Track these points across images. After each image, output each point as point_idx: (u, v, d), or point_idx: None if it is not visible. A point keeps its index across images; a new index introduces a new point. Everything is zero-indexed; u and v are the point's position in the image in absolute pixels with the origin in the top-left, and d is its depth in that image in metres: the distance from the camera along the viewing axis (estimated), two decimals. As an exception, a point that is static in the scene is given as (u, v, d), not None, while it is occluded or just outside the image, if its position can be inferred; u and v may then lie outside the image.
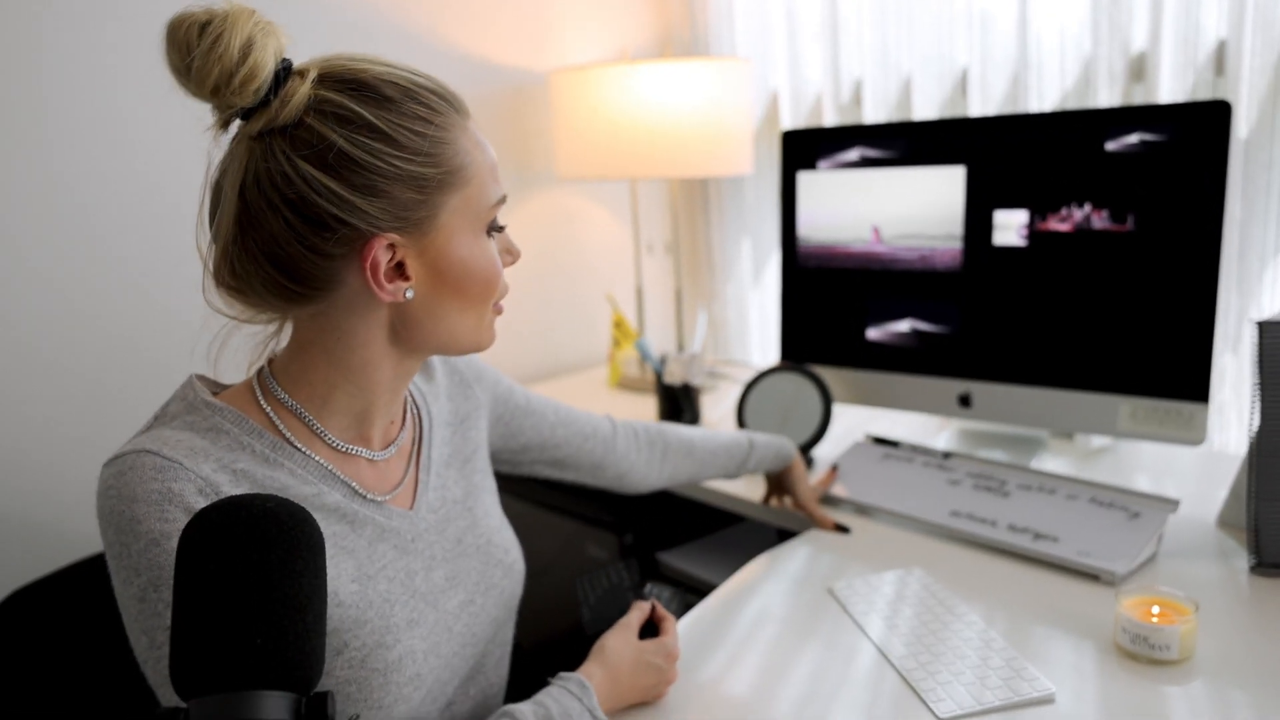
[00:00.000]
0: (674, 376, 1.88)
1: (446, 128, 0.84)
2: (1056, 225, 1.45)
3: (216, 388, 0.91)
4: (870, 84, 2.11)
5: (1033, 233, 1.47)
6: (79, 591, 1.14)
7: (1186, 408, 1.38)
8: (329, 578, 0.86)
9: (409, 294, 0.85)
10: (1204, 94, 1.65)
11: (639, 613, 1.05)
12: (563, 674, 0.96)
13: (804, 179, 1.71)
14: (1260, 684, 0.97)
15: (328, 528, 0.88)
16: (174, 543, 0.76)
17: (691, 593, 1.47)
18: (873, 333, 1.67)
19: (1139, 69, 1.73)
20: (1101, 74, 1.75)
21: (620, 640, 1.00)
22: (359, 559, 0.90)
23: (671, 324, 2.63)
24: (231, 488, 0.82)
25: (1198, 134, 1.33)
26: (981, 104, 1.93)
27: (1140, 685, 0.98)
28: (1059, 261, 1.46)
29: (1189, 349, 1.37)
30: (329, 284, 0.84)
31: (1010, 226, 1.50)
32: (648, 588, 1.11)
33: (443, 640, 0.96)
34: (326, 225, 0.80)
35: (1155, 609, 1.05)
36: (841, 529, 1.40)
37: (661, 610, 1.07)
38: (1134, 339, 1.41)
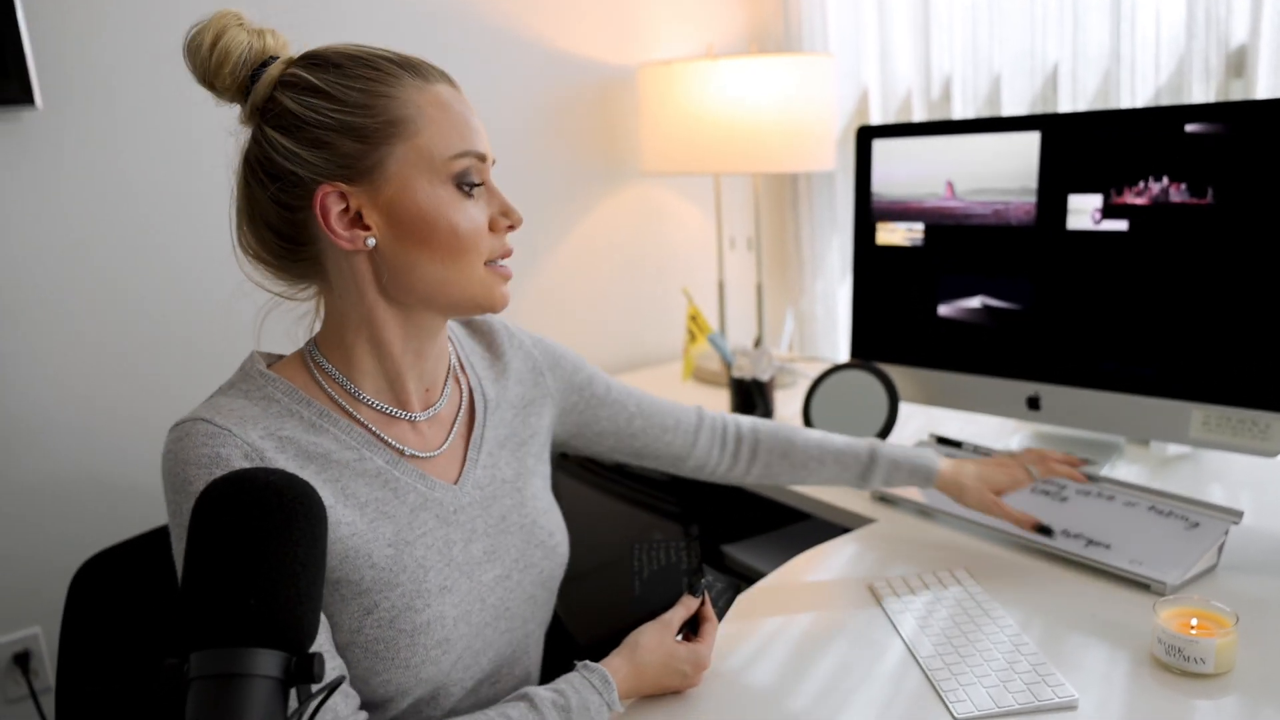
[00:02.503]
0: (743, 371, 1.89)
1: (389, 84, 0.90)
2: (1133, 199, 1.40)
3: (274, 360, 0.99)
4: (960, 80, 2.07)
5: (1108, 206, 1.43)
6: (152, 558, 1.22)
7: (1263, 417, 1.32)
8: (366, 540, 0.92)
9: (370, 242, 0.91)
10: (1304, 89, 1.57)
11: (684, 610, 1.05)
12: (588, 663, 0.98)
13: (879, 145, 1.71)
14: (1300, 704, 0.93)
15: (369, 492, 0.94)
16: None
17: (749, 586, 1.47)
18: (944, 309, 1.65)
19: (1238, 64, 1.66)
20: (1197, 69, 1.68)
21: (655, 640, 1.01)
22: (398, 524, 0.95)
23: (752, 319, 2.63)
24: (276, 453, 0.89)
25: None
26: (1072, 100, 1.88)
27: (1169, 697, 0.96)
28: (1134, 242, 1.41)
29: (1267, 355, 1.31)
30: (307, 237, 0.93)
31: (1084, 210, 1.46)
32: (706, 579, 1.10)
33: (474, 609, 1.00)
34: (282, 178, 0.90)
35: (1194, 620, 1.01)
36: (1044, 530, 1.26)
37: (708, 610, 1.06)
38: (1210, 341, 1.36)
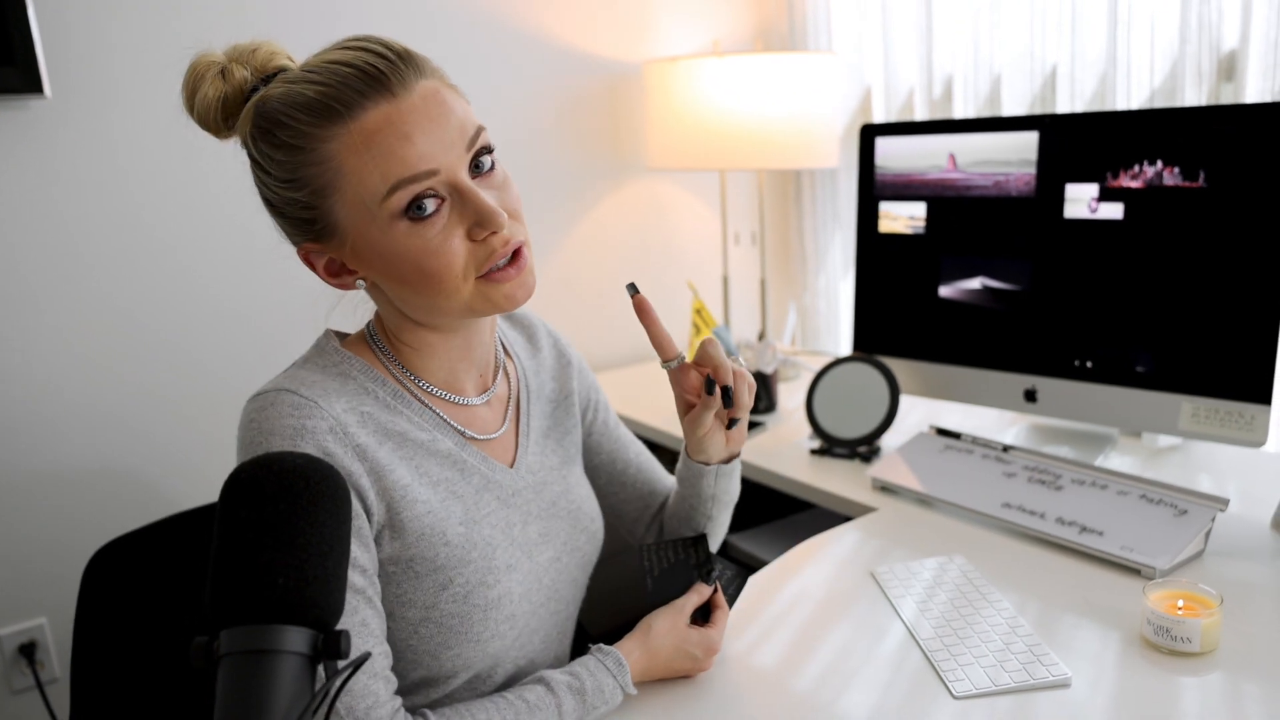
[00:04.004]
0: (747, 364, 1.94)
1: (304, 148, 0.87)
2: (1128, 182, 1.46)
3: (342, 337, 1.03)
4: (961, 80, 2.12)
5: (1104, 190, 1.48)
6: (168, 545, 1.25)
7: (1249, 409, 1.38)
8: (440, 519, 0.96)
9: (360, 284, 0.95)
10: (1293, 94, 1.62)
11: (697, 596, 1.08)
12: (602, 646, 1.02)
13: (881, 142, 1.76)
14: (1278, 680, 0.99)
15: (441, 472, 0.98)
16: None
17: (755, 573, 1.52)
18: (945, 290, 1.70)
19: (1229, 68, 1.71)
20: (1189, 73, 1.73)
21: (668, 624, 1.05)
22: (466, 504, 1.00)
23: (756, 313, 2.68)
24: (358, 428, 0.92)
25: (1269, 135, 1.32)
26: (1070, 102, 1.93)
27: (1157, 675, 1.01)
28: (1129, 230, 1.47)
29: (1253, 350, 1.37)
30: None
31: (1081, 200, 1.51)
32: (717, 569, 1.12)
33: (534, 588, 1.05)
34: (280, 230, 0.96)
35: (1181, 602, 1.07)
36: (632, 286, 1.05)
37: (720, 598, 1.10)
38: (1199, 334, 1.42)
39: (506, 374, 1.12)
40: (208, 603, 0.63)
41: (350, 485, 0.89)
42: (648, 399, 2.11)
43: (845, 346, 2.57)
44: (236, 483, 0.65)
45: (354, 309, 1.04)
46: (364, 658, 0.63)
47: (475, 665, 1.00)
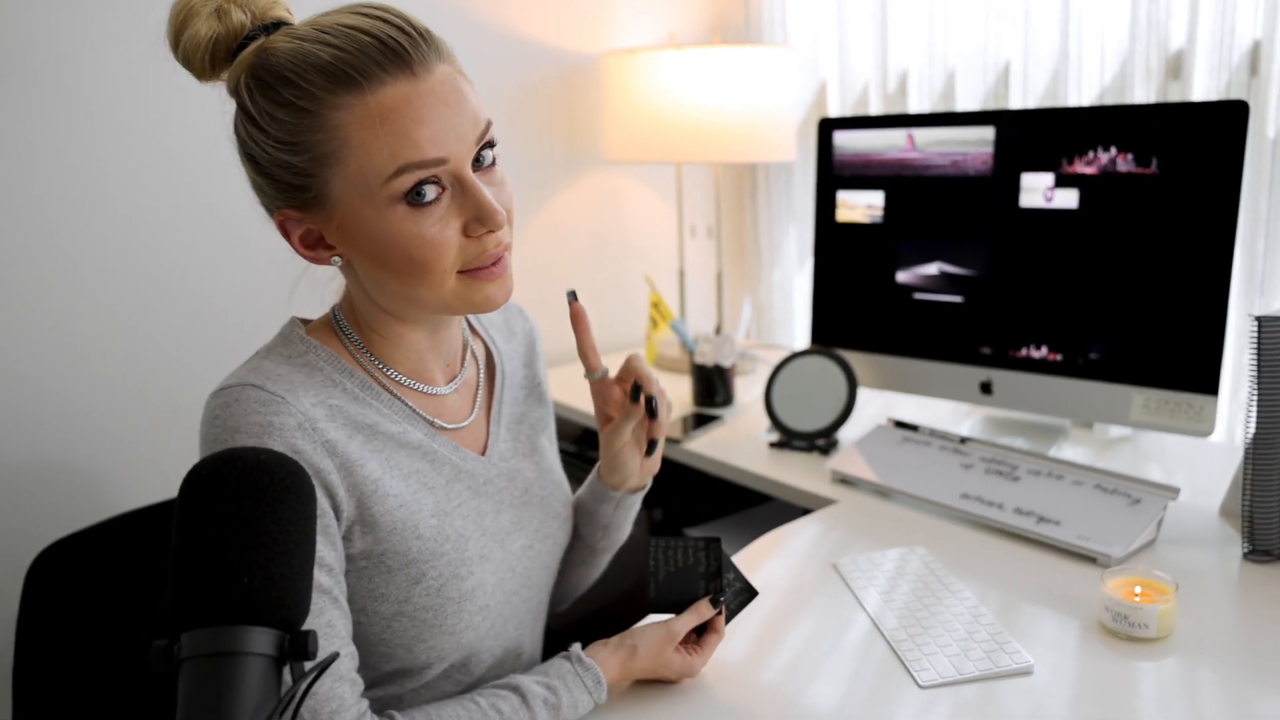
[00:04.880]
0: (705, 357, 1.95)
1: (314, 111, 0.84)
2: (1083, 168, 1.49)
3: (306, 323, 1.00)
4: (916, 75, 2.14)
5: (1059, 177, 1.51)
6: (115, 547, 1.21)
7: (1197, 400, 1.42)
8: (412, 512, 0.94)
9: (336, 261, 0.91)
10: (1238, 93, 1.66)
11: (695, 618, 1.03)
12: (582, 657, 0.98)
13: (839, 134, 1.78)
14: (1231, 663, 1.02)
15: (412, 464, 0.96)
16: None
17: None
18: (902, 275, 1.72)
19: (1176, 67, 1.74)
20: (1139, 70, 1.76)
21: (654, 648, 1.01)
22: (438, 496, 0.98)
23: (712, 307, 2.69)
24: (327, 422, 0.90)
25: (1217, 133, 1.36)
26: (1023, 97, 1.95)
27: (1116, 660, 1.03)
28: (1083, 219, 1.50)
29: (1200, 343, 1.41)
30: None
31: (1037, 189, 1.54)
32: (728, 576, 1.05)
33: (507, 577, 1.04)
34: (257, 191, 0.91)
35: (1138, 589, 1.09)
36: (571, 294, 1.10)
37: (719, 622, 1.04)
38: (1150, 326, 1.45)
39: (475, 358, 1.10)
40: (168, 604, 0.60)
41: (319, 482, 0.87)
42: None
43: (800, 340, 2.59)
44: (198, 479, 0.62)
45: (319, 289, 1.01)
46: (332, 658, 0.61)
47: (450, 656, 0.99)
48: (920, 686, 1.01)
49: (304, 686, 0.59)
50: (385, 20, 0.85)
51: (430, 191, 0.85)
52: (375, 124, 0.83)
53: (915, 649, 1.07)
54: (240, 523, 0.60)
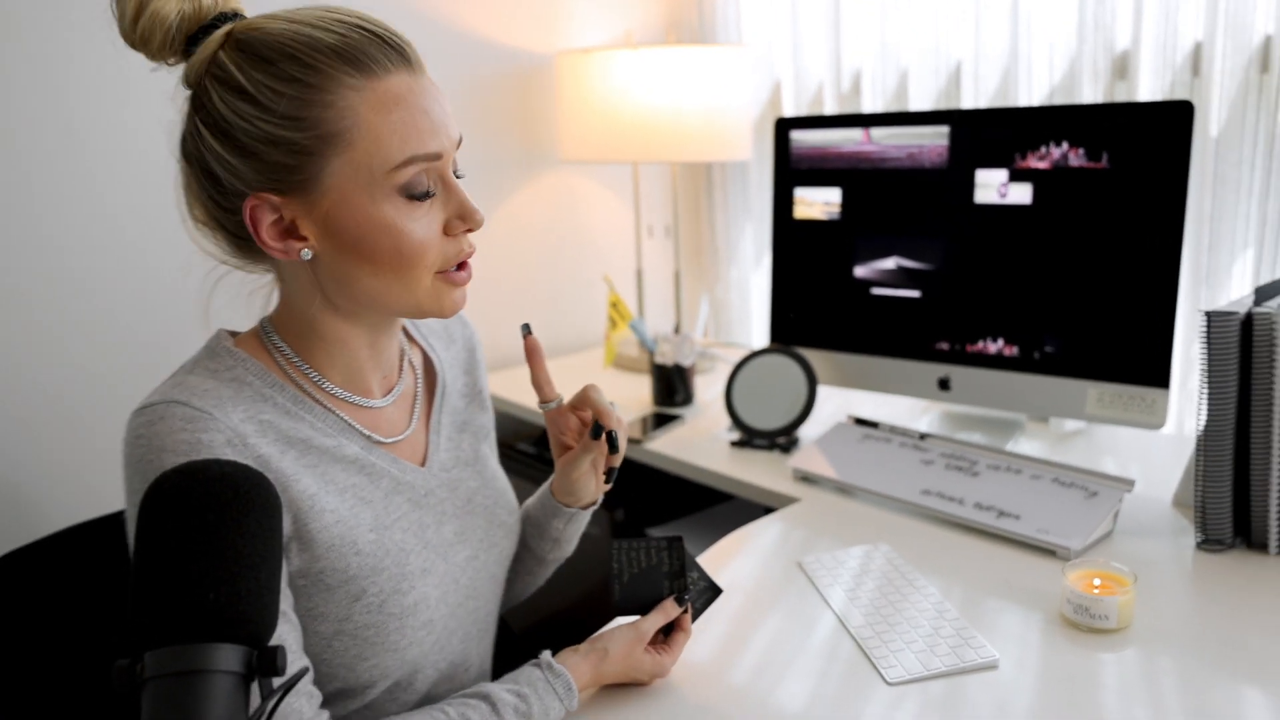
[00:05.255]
0: (665, 357, 1.95)
1: (322, 89, 0.83)
2: (1035, 163, 1.51)
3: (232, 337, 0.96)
4: (869, 75, 2.16)
5: (1013, 171, 1.54)
6: (57, 563, 1.17)
7: (1149, 393, 1.45)
8: (350, 527, 0.92)
9: (305, 254, 0.87)
10: (1181, 93, 1.70)
11: (662, 617, 1.04)
12: (553, 664, 0.97)
13: (796, 131, 1.80)
14: (1189, 652, 1.04)
15: (348, 478, 0.94)
16: None
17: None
18: (860, 270, 1.74)
19: (1122, 67, 1.78)
20: (1086, 71, 1.80)
21: (624, 649, 1.01)
22: (376, 510, 0.95)
23: (670, 306, 2.70)
24: (258, 438, 0.87)
25: (1163, 132, 1.39)
26: (974, 97, 1.98)
27: (1078, 652, 1.05)
28: (1037, 215, 1.53)
29: (1151, 337, 1.44)
30: (248, 235, 0.88)
31: (991, 185, 1.57)
32: (693, 575, 1.06)
33: (451, 590, 1.02)
34: (217, 181, 0.86)
35: (1097, 581, 1.11)
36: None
37: (685, 619, 1.05)
38: (1103, 321, 1.48)
39: (413, 367, 1.08)
40: (129, 622, 0.59)
41: None
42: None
43: (758, 339, 2.60)
44: (160, 492, 0.61)
45: (241, 301, 0.98)
46: (301, 674, 0.60)
47: (394, 674, 0.97)
48: (888, 683, 1.02)
49: (271, 705, 0.58)
50: (373, 21, 0.88)
51: (426, 186, 0.87)
52: (386, 109, 0.84)
53: (882, 646, 1.08)
54: (205, 537, 0.59)
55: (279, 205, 0.86)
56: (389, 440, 1.00)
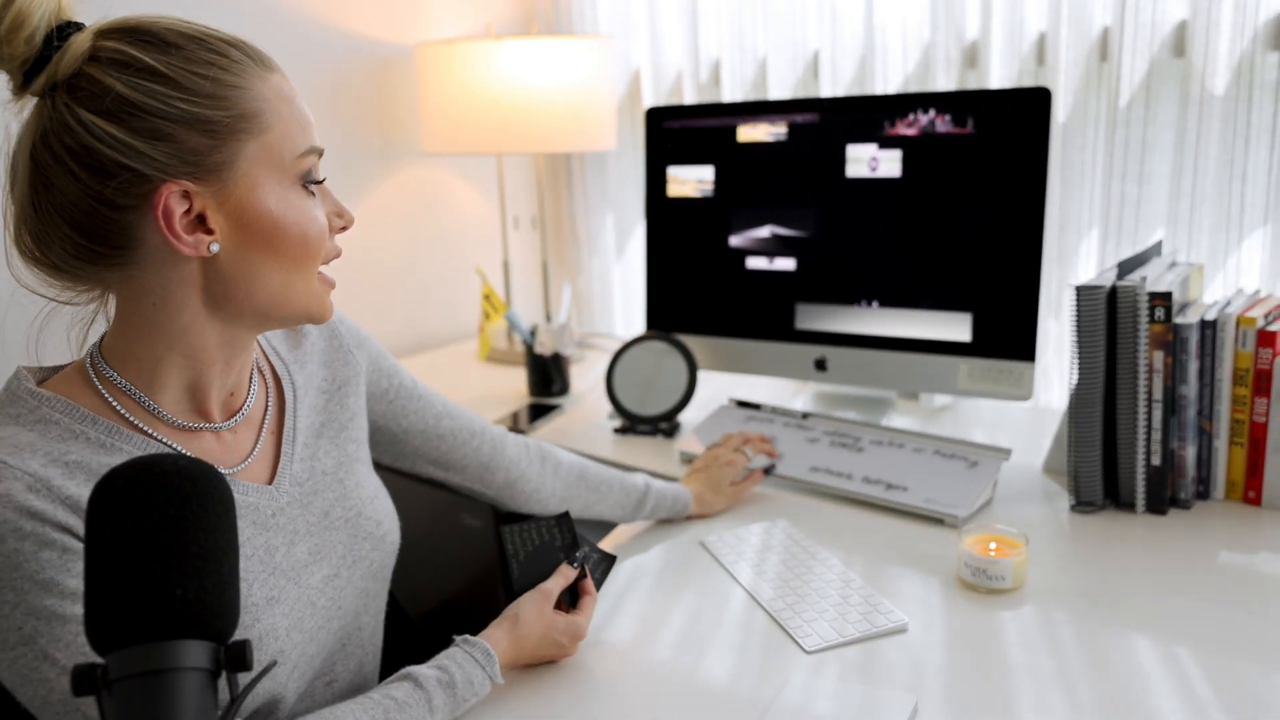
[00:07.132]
0: (544, 347, 1.94)
1: (238, 73, 0.83)
2: (904, 130, 1.58)
3: (47, 374, 0.89)
4: (728, 64, 2.20)
5: (882, 139, 1.60)
6: None
7: (1016, 367, 1.53)
8: None
9: (213, 248, 0.83)
10: (1028, 82, 1.81)
11: (562, 580, 1.07)
12: (468, 637, 0.98)
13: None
14: (1078, 605, 1.11)
15: None
16: (8, 544, 0.75)
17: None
18: (735, 240, 1.77)
19: (972, 57, 1.87)
20: (939, 60, 1.88)
21: (534, 612, 1.02)
22: None
23: (539, 298, 2.68)
24: (64, 480, 0.80)
25: (1021, 118, 1.47)
26: (832, 85, 2.04)
27: (980, 612, 1.11)
28: (906, 186, 1.59)
29: (1018, 313, 1.52)
30: (128, 241, 0.82)
31: (862, 159, 1.62)
32: (583, 550, 1.10)
33: (305, 615, 0.95)
34: (110, 172, 0.79)
35: (992, 545, 1.17)
36: (768, 470, 1.48)
37: (587, 583, 1.09)
38: (972, 300, 1.56)
39: (263, 378, 1.01)
40: (90, 626, 0.57)
41: (67, 543, 0.78)
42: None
43: (621, 328, 2.61)
44: (112, 489, 0.58)
45: (63, 332, 0.91)
46: (270, 666, 0.61)
47: (248, 706, 0.90)
48: (806, 651, 1.05)
49: (241, 699, 0.58)
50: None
51: (319, 176, 0.89)
52: (285, 100, 0.87)
53: (795, 617, 1.11)
54: (167, 532, 0.57)
55: (191, 194, 0.81)
56: (228, 471, 0.93)
